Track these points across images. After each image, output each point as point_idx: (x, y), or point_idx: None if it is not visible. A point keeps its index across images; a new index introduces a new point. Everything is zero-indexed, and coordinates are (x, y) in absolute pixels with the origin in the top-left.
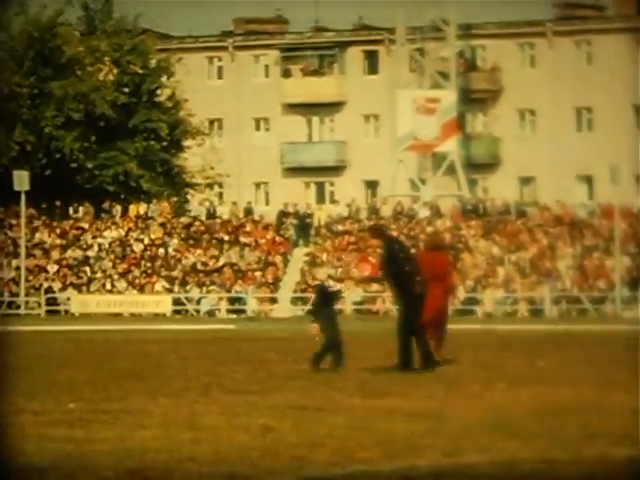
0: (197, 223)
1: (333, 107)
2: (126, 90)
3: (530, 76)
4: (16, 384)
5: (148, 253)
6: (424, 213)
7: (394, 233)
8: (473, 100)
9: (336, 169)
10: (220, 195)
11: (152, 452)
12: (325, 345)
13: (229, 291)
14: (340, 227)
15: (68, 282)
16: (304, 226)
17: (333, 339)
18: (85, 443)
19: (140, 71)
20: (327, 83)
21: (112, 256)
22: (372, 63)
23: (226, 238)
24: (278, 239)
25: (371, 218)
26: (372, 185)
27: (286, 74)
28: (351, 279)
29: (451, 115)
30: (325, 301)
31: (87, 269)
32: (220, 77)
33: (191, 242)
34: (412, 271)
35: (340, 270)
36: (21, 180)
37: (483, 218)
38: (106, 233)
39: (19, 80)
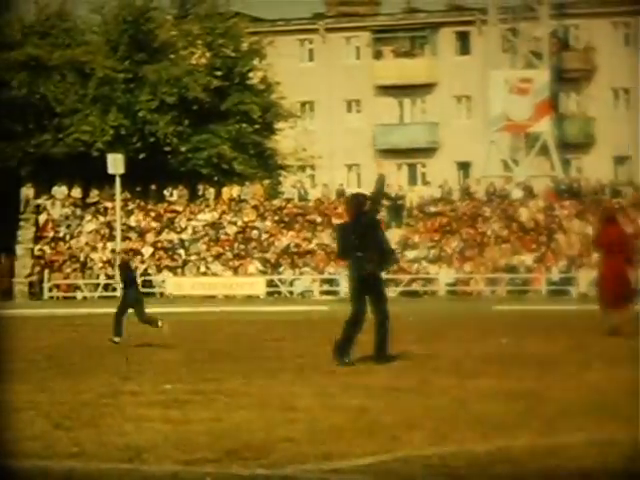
0: (290, 205)
1: (425, 88)
2: (218, 73)
3: (624, 55)
4: (113, 365)
5: (241, 235)
6: (517, 194)
7: (487, 214)
8: (566, 80)
9: (428, 150)
10: (312, 177)
11: (248, 433)
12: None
13: (322, 273)
14: (432, 209)
15: (163, 265)
16: (396, 208)
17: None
18: (181, 424)
19: (232, 54)
20: (419, 64)
21: (206, 239)
22: (464, 44)
23: (318, 220)
24: None
25: (464, 199)
26: (464, 166)
27: (378, 56)
28: None
29: (544, 95)
30: (130, 279)
31: (182, 252)
32: (311, 59)
33: (284, 224)
34: None
35: (432, 251)
36: (116, 164)
37: (577, 198)
38: (200, 216)
39: (113, 64)
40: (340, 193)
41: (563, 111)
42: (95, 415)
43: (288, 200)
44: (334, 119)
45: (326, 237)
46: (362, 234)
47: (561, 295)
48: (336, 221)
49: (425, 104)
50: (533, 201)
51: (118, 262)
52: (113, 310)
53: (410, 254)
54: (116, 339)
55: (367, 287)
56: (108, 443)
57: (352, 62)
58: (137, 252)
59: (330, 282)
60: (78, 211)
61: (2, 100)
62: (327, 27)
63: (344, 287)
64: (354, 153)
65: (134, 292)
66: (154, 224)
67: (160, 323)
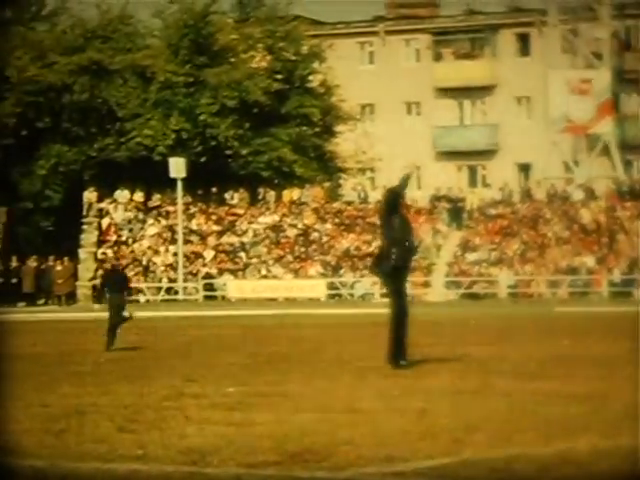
0: (350, 208)
1: (485, 90)
2: (279, 77)
3: None
4: (176, 368)
5: (302, 238)
6: (578, 195)
7: (548, 216)
8: (628, 80)
9: (488, 152)
10: (372, 180)
11: (310, 435)
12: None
13: None
14: (493, 211)
15: (224, 268)
16: (457, 210)
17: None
18: (244, 426)
19: (292, 57)
20: (479, 66)
21: (267, 241)
22: (524, 45)
23: (379, 222)
24: (431, 223)
25: (524, 201)
26: (525, 168)
27: (437, 58)
28: None
29: (606, 96)
30: (114, 285)
31: (243, 255)
32: (371, 62)
33: (344, 227)
34: None
35: (493, 254)
36: (177, 167)
37: (639, 199)
38: (261, 219)
39: (174, 68)
40: None
41: (624, 112)
42: (158, 418)
43: (348, 203)
44: (394, 121)
45: None
46: (384, 230)
47: (623, 297)
48: None
49: (485, 106)
50: (594, 202)
51: (109, 268)
52: (176, 313)
53: (471, 256)
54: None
55: (387, 282)
56: (171, 446)
57: (412, 64)
58: (199, 255)
59: None
60: (140, 215)
61: (65, 104)
62: (387, 30)
63: None
64: (414, 155)
65: (117, 298)
66: (215, 227)
67: (112, 347)
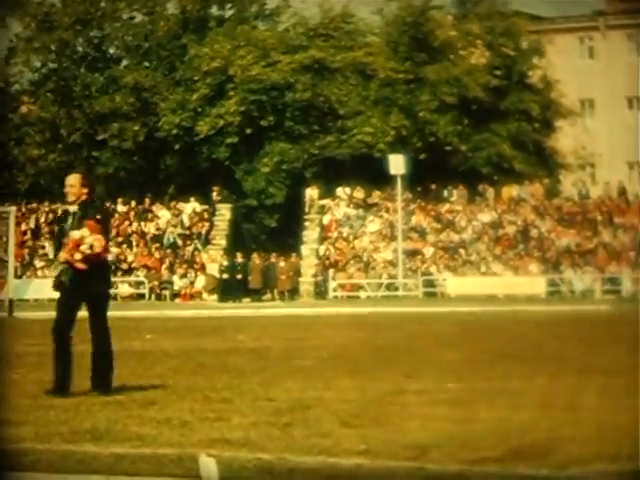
0: (570, 204)
1: None
2: (498, 72)
3: None
4: (396, 363)
5: (521, 235)
6: None
7: None
8: None
9: None
10: (592, 176)
11: (532, 433)
12: None
13: (603, 272)
14: None
15: (443, 264)
16: None
17: None
18: (465, 423)
19: (512, 53)
20: None
21: (486, 238)
22: None
23: (599, 219)
24: None
25: None
26: None
27: None
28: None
29: None
30: None
31: (462, 252)
32: (591, 57)
33: (564, 223)
34: None
35: None
36: (397, 164)
37: None
38: (480, 216)
39: (394, 65)
40: (621, 191)
41: None
42: (381, 413)
43: (568, 199)
44: (614, 116)
45: (608, 236)
46: None
47: None
48: (618, 220)
49: None
50: None
51: None
52: (396, 309)
53: None
54: None
55: None
56: (394, 441)
57: (634, 59)
58: (418, 252)
59: (612, 281)
60: (361, 211)
61: (287, 102)
62: (607, 24)
63: (626, 286)
64: (635, 150)
65: None
66: (435, 224)
67: None
